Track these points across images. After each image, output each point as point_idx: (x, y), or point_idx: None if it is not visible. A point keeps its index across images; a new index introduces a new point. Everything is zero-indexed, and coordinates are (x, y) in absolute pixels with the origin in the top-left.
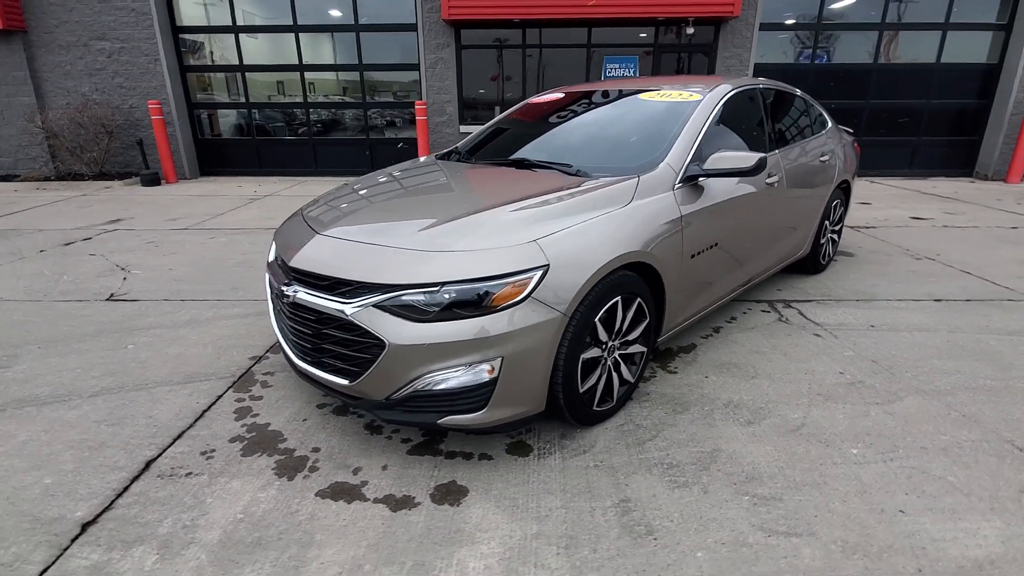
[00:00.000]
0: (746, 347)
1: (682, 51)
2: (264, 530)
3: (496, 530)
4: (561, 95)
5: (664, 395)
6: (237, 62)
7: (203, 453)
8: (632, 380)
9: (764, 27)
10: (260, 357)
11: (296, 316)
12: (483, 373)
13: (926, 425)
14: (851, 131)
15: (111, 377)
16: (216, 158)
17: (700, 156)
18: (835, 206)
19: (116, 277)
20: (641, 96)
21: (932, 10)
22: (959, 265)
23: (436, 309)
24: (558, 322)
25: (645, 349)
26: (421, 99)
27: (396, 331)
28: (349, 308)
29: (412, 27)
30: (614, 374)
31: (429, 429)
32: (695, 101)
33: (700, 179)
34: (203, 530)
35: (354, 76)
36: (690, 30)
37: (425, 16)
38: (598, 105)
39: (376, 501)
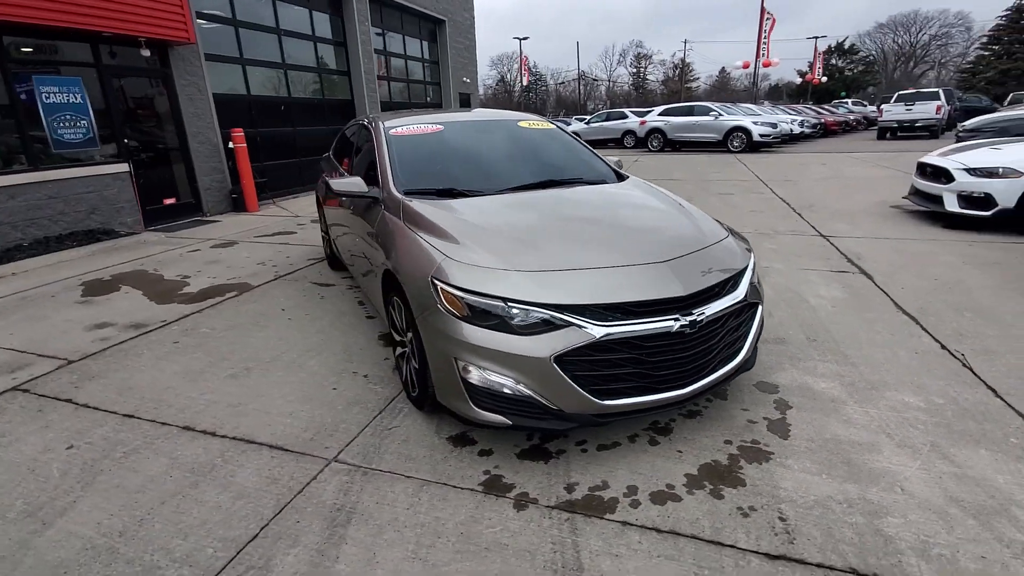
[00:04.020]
0: None
1: (136, 75)
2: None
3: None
4: (440, 127)
5: None
6: None
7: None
8: None
9: (209, 58)
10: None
11: (694, 337)
12: None
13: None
14: None
15: None
16: None
17: None
18: None
19: None
20: (521, 124)
21: (308, 58)
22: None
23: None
24: None
25: None
26: None
27: (758, 293)
28: (742, 293)
29: None
30: None
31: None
32: (557, 127)
33: None
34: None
35: None
36: (146, 52)
37: None
38: (508, 133)
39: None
